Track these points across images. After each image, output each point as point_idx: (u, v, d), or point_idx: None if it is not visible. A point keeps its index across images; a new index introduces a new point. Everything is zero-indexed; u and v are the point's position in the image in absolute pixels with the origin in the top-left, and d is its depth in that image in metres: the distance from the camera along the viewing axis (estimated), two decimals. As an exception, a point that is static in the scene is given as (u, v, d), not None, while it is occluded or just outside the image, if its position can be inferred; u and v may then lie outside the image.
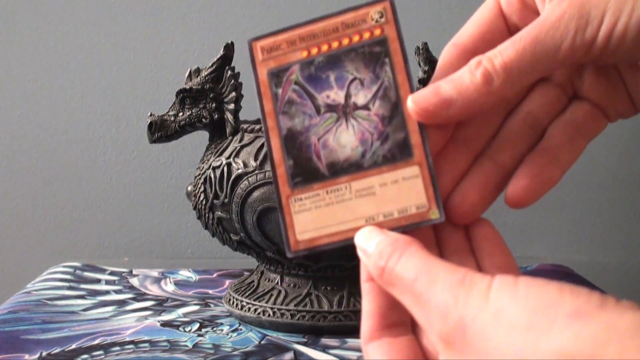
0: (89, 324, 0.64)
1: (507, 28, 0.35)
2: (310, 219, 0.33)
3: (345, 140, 0.33)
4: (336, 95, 0.34)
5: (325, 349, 0.57)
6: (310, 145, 0.34)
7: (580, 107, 0.35)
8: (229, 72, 0.63)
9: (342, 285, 0.62)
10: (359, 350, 0.57)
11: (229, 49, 0.64)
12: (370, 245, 0.31)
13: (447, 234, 0.34)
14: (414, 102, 0.32)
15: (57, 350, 0.57)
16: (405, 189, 0.33)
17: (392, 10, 0.34)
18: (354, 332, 0.60)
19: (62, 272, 0.81)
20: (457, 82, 0.31)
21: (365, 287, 0.32)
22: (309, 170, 0.33)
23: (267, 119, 0.34)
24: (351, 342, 0.59)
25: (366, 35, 0.34)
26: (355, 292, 0.61)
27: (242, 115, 0.65)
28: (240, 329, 0.62)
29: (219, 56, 0.64)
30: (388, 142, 0.33)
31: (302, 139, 0.34)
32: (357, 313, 0.60)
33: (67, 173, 1.00)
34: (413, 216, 0.32)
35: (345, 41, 0.34)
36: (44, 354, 0.56)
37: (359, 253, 0.32)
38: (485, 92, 0.31)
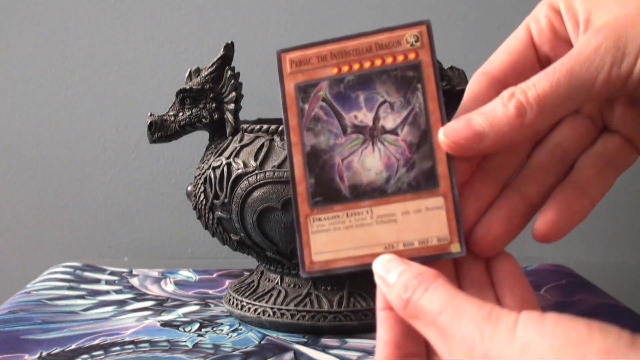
0: (89, 324, 0.64)
1: (537, 58, 0.34)
2: (328, 240, 0.32)
3: (370, 163, 0.33)
4: (364, 116, 0.33)
5: (325, 349, 0.57)
6: (334, 165, 0.33)
7: (611, 140, 0.34)
8: (229, 72, 0.63)
9: (342, 285, 0.62)
10: (359, 350, 0.57)
11: (229, 49, 0.64)
12: (392, 276, 0.30)
13: (467, 266, 0.33)
14: (445, 135, 0.31)
15: (57, 350, 0.57)
16: (428, 219, 0.32)
17: (429, 35, 0.33)
18: (354, 332, 0.60)
19: (62, 272, 0.81)
20: (490, 115, 0.31)
21: (381, 316, 0.32)
22: (330, 191, 0.33)
23: (291, 134, 0.33)
24: (351, 342, 0.59)
25: (400, 58, 0.33)
26: (355, 292, 0.61)
27: (242, 115, 0.65)
28: (240, 329, 0.62)
29: (219, 56, 0.64)
30: (414, 170, 0.32)
31: (326, 157, 0.33)
32: (357, 313, 0.60)
33: (67, 173, 1.00)
34: (433, 248, 0.32)
35: (378, 62, 0.33)
36: (44, 354, 0.56)
37: (377, 280, 0.31)
38: (518, 125, 0.30)
